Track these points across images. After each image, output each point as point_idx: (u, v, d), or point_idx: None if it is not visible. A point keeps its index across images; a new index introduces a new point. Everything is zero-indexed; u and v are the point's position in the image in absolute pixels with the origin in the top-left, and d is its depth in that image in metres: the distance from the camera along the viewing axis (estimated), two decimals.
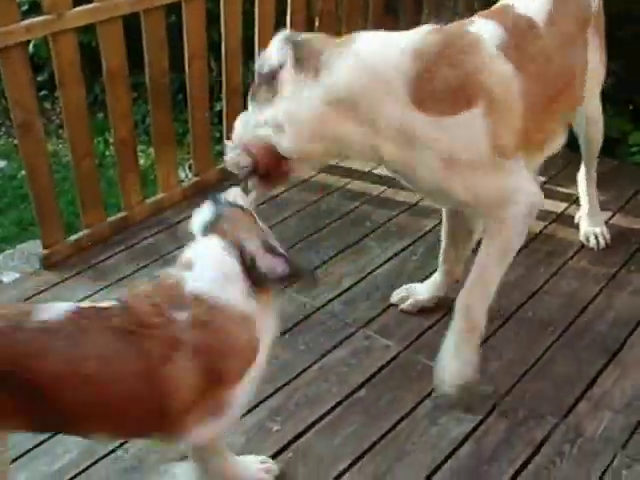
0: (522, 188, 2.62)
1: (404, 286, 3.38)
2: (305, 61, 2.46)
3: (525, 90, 2.54)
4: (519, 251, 3.44)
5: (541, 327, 3.23)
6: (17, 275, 3.83)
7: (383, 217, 4.02)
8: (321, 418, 2.79)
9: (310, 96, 2.45)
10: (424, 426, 2.76)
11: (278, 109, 2.51)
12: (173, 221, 4.05)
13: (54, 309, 1.93)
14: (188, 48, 3.99)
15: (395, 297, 3.34)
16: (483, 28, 2.59)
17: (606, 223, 3.86)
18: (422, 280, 3.40)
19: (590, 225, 3.78)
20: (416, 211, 4.02)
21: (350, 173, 4.45)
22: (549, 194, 4.17)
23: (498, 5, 2.87)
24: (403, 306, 3.33)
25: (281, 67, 2.49)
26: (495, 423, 2.78)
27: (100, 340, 1.89)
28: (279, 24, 4.37)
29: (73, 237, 3.86)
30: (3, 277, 3.77)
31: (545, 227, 3.92)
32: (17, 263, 3.97)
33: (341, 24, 4.83)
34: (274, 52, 2.53)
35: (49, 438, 2.73)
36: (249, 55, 4.30)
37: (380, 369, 3.01)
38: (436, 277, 3.30)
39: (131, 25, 3.82)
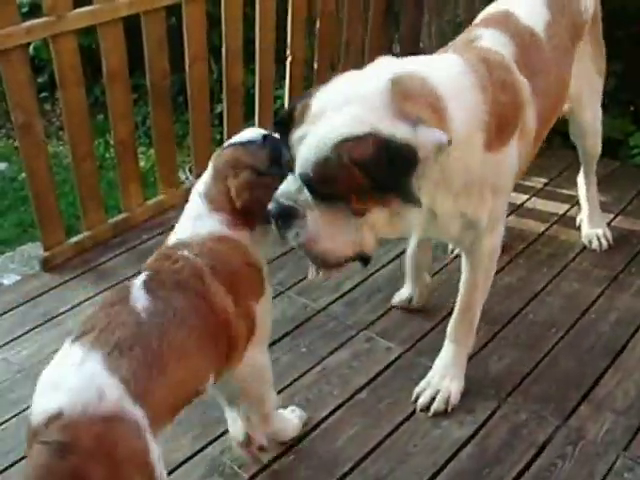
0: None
1: (404, 288, 3.38)
2: None
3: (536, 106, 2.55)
4: (521, 252, 3.45)
5: (543, 329, 3.23)
6: (18, 277, 3.84)
7: None
8: (323, 420, 2.78)
9: None
10: (426, 428, 2.75)
11: None
12: (174, 222, 4.02)
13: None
14: (189, 50, 3.99)
15: (396, 299, 3.33)
16: (496, 42, 2.56)
17: (608, 225, 3.85)
18: None
19: (592, 227, 3.77)
20: None
21: None
22: (551, 196, 4.19)
23: (499, 12, 2.82)
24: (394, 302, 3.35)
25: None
26: (497, 425, 2.77)
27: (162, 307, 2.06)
28: (280, 26, 4.38)
29: (74, 239, 3.86)
30: (4, 279, 3.77)
31: (547, 229, 3.91)
32: (17, 265, 3.98)
33: (342, 26, 4.83)
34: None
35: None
36: (250, 57, 4.30)
37: (381, 371, 3.01)
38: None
39: (131, 27, 3.81)
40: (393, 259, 3.68)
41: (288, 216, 2.15)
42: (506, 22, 2.70)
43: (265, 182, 2.25)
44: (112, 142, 4.19)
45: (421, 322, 3.26)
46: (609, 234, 3.77)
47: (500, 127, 2.34)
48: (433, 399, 2.82)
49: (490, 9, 2.92)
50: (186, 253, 2.20)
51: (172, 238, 2.33)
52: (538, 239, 3.83)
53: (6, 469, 2.65)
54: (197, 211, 2.34)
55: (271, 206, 2.16)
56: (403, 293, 3.35)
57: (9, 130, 7.07)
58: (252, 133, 2.41)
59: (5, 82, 3.39)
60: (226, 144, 2.46)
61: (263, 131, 2.41)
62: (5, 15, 3.25)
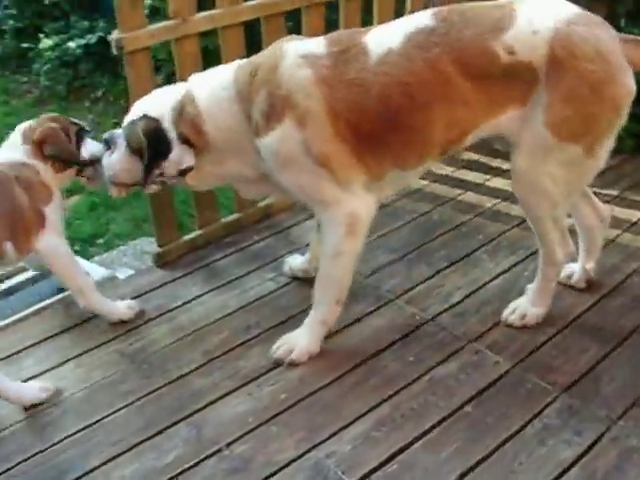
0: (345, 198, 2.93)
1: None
2: None
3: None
4: (635, 271, 3.36)
5: None
6: (131, 271, 3.94)
7: (495, 231, 3.95)
8: (427, 431, 2.75)
9: None
10: (532, 446, 2.69)
11: None
12: (284, 226, 4.09)
13: None
14: None
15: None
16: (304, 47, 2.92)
17: None
18: None
19: None
20: (529, 226, 3.90)
21: (463, 184, 4.41)
22: (623, 203, 4.08)
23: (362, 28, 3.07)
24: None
25: None
26: (606, 448, 2.68)
27: None
28: None
29: (187, 237, 3.94)
30: (118, 273, 3.87)
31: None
32: (130, 259, 4.10)
33: None
34: None
35: (157, 434, 2.81)
36: None
37: (489, 385, 2.95)
38: None
39: (251, 31, 3.87)
40: (504, 271, 3.62)
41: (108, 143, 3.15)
42: (351, 32, 3.01)
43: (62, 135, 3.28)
44: None
45: (532, 336, 3.18)
46: None
47: (264, 118, 2.84)
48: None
49: None
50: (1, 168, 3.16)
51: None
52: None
53: (114, 458, 2.72)
54: (14, 142, 3.29)
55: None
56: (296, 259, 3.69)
57: None
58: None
59: (129, 82, 3.49)
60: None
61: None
62: (133, 19, 3.35)
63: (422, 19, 2.80)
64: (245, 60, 3.06)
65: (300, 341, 3.12)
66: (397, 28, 2.83)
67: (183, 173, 3.04)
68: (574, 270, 3.47)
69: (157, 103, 3.04)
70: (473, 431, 2.75)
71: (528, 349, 3.12)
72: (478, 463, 2.62)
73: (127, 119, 3.10)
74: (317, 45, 2.86)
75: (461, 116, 2.82)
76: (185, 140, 2.97)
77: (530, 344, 3.15)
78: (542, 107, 2.75)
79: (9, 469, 2.71)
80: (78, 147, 3.31)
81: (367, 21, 4.21)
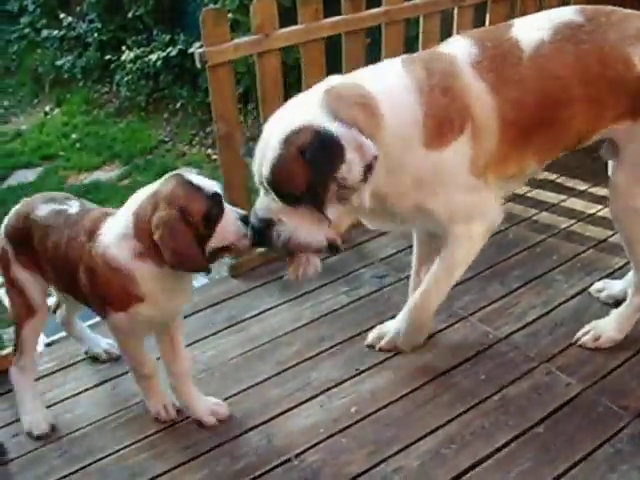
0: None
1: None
2: None
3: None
4: None
5: None
6: (206, 281, 4.01)
7: (570, 251, 3.91)
8: (497, 451, 2.75)
9: None
10: (603, 471, 2.65)
11: None
12: (358, 240, 4.11)
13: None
14: None
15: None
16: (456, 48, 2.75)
17: None
18: None
19: None
20: (604, 247, 3.90)
21: (538, 204, 4.38)
22: None
23: (505, 24, 2.92)
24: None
25: None
26: None
27: None
28: None
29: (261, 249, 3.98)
30: (193, 282, 3.94)
31: None
32: None
33: None
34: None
35: (228, 441, 2.86)
36: None
37: (560, 407, 2.93)
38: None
39: (332, 46, 3.93)
40: (578, 293, 3.58)
41: (266, 227, 2.56)
42: (495, 29, 2.91)
43: (184, 231, 2.44)
44: None
45: (605, 360, 3.14)
46: None
47: (439, 128, 2.60)
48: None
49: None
50: (88, 245, 2.58)
51: (108, 223, 2.60)
52: None
53: (185, 462, 2.79)
54: (125, 228, 2.53)
55: (252, 220, 2.57)
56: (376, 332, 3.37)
57: (202, 138, 7.41)
58: (210, 183, 2.54)
59: (211, 94, 3.58)
60: (177, 172, 2.60)
61: (218, 187, 2.55)
62: (217, 33, 3.44)
63: (567, 14, 2.78)
64: (414, 56, 2.80)
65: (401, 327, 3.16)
66: (543, 21, 2.78)
67: (370, 169, 2.45)
68: (606, 287, 3.49)
69: (297, 112, 2.53)
70: (543, 452, 2.73)
71: (601, 372, 3.08)
72: None
73: (270, 157, 2.48)
74: (469, 46, 2.72)
75: (596, 114, 2.78)
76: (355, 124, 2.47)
77: (603, 367, 3.11)
78: None
79: (84, 467, 2.81)
80: (209, 232, 2.50)
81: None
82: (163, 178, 2.55)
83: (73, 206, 2.79)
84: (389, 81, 2.63)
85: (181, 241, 2.43)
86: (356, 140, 2.42)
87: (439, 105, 2.59)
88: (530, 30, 2.75)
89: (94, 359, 3.35)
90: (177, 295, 2.69)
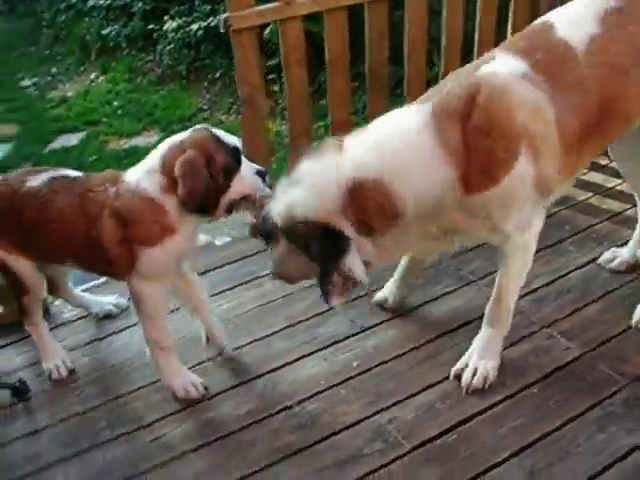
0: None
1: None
2: None
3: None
4: None
5: None
6: (228, 239, 4.15)
7: (584, 222, 3.94)
8: (490, 407, 2.83)
9: None
10: (591, 431, 2.71)
11: None
12: None
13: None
14: (407, 40, 4.14)
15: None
16: (501, 65, 2.58)
17: None
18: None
19: None
20: (619, 220, 3.92)
21: None
22: None
23: (539, 23, 2.78)
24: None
25: None
26: None
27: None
28: (501, 18, 4.42)
29: None
30: (216, 240, 4.10)
31: None
32: (229, 229, 4.28)
33: None
34: None
35: (235, 386, 3.02)
36: (468, 50, 4.37)
37: (557, 369, 2.99)
38: None
39: (355, 18, 4.01)
40: (587, 263, 3.62)
41: (268, 235, 2.70)
42: (536, 35, 2.70)
43: (204, 175, 2.61)
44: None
45: (609, 327, 3.17)
46: None
47: (485, 166, 2.48)
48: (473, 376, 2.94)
49: (537, 20, 2.82)
50: (113, 190, 2.73)
51: (131, 172, 2.76)
52: None
53: (196, 403, 2.93)
54: (153, 165, 2.69)
55: (262, 217, 2.66)
56: (381, 293, 3.43)
57: (239, 107, 7.51)
58: (232, 138, 2.73)
59: (236, 58, 3.70)
60: (204, 125, 2.77)
61: (239, 143, 2.74)
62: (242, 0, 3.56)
63: (600, 1, 2.69)
64: (439, 100, 2.54)
65: (489, 365, 2.95)
66: (580, 15, 2.68)
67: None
68: (616, 255, 3.53)
69: (311, 199, 2.51)
70: (535, 411, 2.81)
71: (601, 339, 3.12)
72: (535, 442, 2.68)
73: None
74: (515, 60, 2.58)
75: None
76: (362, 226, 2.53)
77: (604, 334, 3.15)
78: None
79: (97, 406, 2.96)
80: (227, 184, 2.68)
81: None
82: (191, 129, 2.73)
83: (69, 172, 2.91)
84: (406, 156, 2.48)
85: (199, 183, 2.60)
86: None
87: (478, 151, 2.47)
88: (574, 27, 2.64)
89: (108, 317, 3.52)
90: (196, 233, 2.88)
